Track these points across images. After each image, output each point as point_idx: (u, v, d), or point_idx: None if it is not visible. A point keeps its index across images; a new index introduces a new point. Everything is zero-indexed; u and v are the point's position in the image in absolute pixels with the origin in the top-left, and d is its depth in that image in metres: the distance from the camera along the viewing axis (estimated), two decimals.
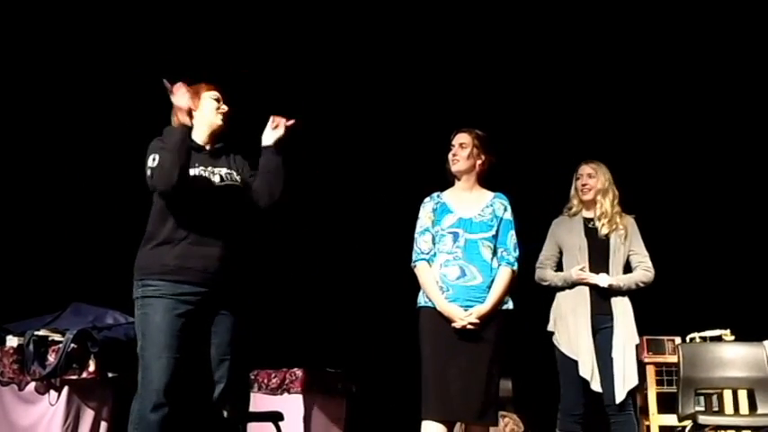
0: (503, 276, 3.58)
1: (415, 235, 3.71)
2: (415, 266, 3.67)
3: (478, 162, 3.69)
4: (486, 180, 3.75)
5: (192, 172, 3.23)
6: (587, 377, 3.92)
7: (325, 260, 6.00)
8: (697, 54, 5.89)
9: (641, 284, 4.09)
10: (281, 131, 3.39)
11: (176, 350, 3.11)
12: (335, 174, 6.09)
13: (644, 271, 4.11)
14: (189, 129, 3.26)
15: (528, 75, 6.05)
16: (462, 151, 3.69)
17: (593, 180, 4.17)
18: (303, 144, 5.90)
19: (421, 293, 3.66)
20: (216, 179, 3.28)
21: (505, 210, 3.69)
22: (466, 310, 3.50)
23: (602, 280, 4.02)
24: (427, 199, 3.76)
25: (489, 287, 3.56)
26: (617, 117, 6.03)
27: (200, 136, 3.37)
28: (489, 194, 3.73)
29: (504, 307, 3.60)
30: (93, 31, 5.46)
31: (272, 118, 3.40)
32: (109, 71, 5.52)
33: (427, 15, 5.83)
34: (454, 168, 3.72)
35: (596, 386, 3.92)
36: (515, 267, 3.61)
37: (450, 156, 3.72)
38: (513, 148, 5.95)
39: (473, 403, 3.46)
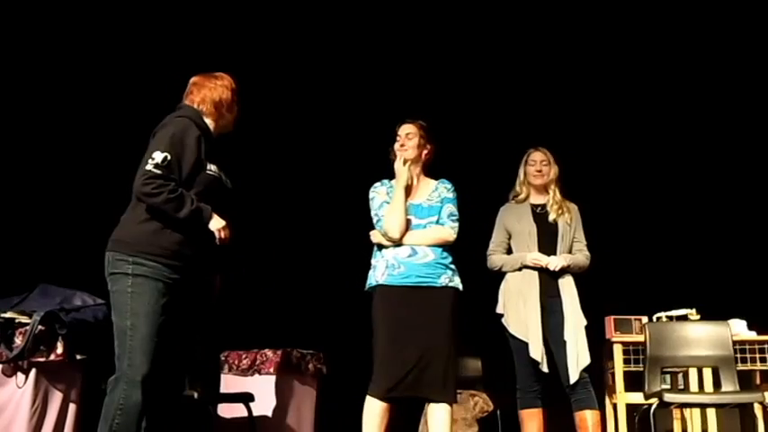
0: (434, 227, 3.74)
1: (375, 211, 3.82)
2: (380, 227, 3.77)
3: (424, 151, 3.86)
4: (431, 168, 3.90)
5: (212, 168, 3.22)
6: (538, 359, 3.98)
7: (298, 243, 5.99)
8: (630, 34, 5.93)
9: (580, 269, 4.19)
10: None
11: (161, 334, 3.08)
12: (307, 162, 6.08)
13: (584, 257, 4.20)
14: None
15: (463, 64, 6.07)
16: (409, 141, 3.84)
17: (548, 167, 4.26)
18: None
19: (371, 274, 3.76)
20: (213, 170, 3.26)
21: (448, 191, 3.85)
22: (415, 288, 3.63)
23: (554, 263, 4.08)
24: (377, 184, 3.90)
25: (439, 263, 3.69)
26: (565, 101, 6.06)
27: (214, 130, 3.35)
28: (434, 181, 3.89)
29: (452, 285, 3.71)
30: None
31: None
32: (78, 57, 5.45)
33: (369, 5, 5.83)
34: (404, 157, 3.83)
35: (545, 368, 3.99)
36: (448, 226, 3.75)
37: (397, 146, 3.86)
38: (456, 137, 5.99)
39: (433, 380, 3.56)
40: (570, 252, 4.19)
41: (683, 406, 4.64)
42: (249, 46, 5.77)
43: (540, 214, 4.24)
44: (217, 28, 5.68)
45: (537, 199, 4.29)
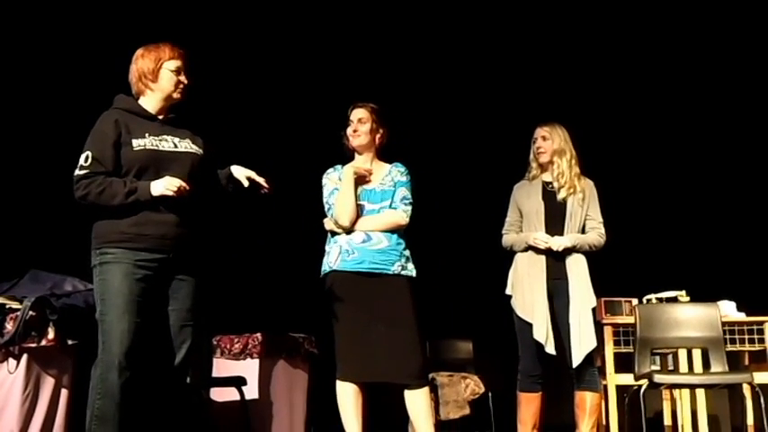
0: (386, 212, 3.71)
1: (326, 198, 3.81)
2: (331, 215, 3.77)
3: (377, 136, 3.81)
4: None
5: (140, 142, 3.19)
6: (541, 340, 3.95)
7: (288, 225, 5.98)
8: (652, 15, 5.92)
9: (593, 248, 4.12)
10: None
11: (136, 315, 3.11)
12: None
13: (597, 236, 4.13)
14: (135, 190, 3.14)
15: (487, 37, 6.05)
16: (362, 126, 3.79)
17: (548, 142, 4.17)
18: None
19: (325, 260, 3.76)
20: (167, 146, 3.24)
21: (401, 174, 3.81)
22: (369, 275, 3.62)
23: (555, 243, 4.03)
24: (330, 170, 3.86)
25: (393, 250, 3.67)
26: (574, 81, 6.06)
27: (153, 106, 3.32)
28: (387, 165, 3.85)
29: (405, 273, 3.70)
30: None
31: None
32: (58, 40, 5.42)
33: None
34: (356, 143, 3.82)
35: (550, 349, 3.95)
36: (400, 210, 3.72)
37: (349, 131, 3.81)
38: (475, 115, 5.98)
39: (407, 368, 3.56)
40: (583, 231, 4.13)
41: (672, 387, 4.68)
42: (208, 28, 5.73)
43: (550, 192, 4.15)
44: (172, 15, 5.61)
45: (549, 176, 4.21)
